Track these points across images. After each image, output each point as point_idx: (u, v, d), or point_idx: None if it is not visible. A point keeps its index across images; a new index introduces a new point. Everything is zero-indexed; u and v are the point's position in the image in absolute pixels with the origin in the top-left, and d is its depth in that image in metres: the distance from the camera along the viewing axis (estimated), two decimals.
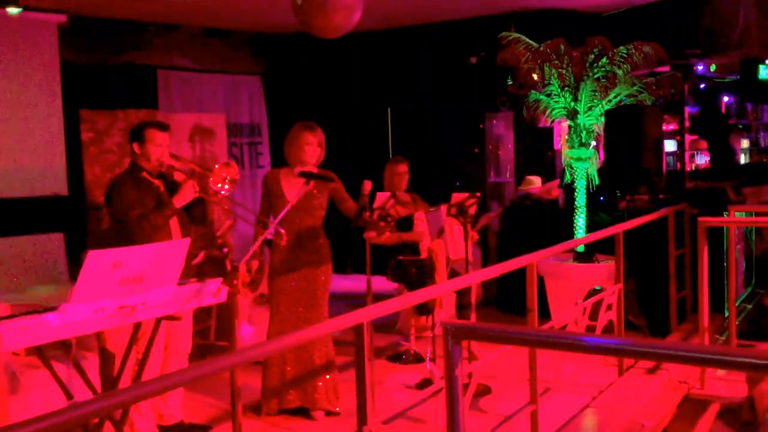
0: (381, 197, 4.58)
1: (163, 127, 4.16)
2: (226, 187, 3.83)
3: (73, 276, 6.41)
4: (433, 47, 8.17)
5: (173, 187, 4.17)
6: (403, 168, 5.88)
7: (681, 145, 8.17)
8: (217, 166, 3.86)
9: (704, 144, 9.44)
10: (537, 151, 7.80)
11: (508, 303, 7.03)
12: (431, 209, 5.62)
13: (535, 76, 6.33)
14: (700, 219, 5.02)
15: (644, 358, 2.13)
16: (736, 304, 5.72)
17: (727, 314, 5.76)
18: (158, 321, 3.52)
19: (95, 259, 2.95)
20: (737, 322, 5.61)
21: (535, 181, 7.45)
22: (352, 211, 4.66)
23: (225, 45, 8.25)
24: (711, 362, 1.99)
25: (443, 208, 5.72)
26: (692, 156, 9.27)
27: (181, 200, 4.06)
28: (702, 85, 8.29)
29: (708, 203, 6.07)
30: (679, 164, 8.17)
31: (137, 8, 6.94)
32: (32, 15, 6.23)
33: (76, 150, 6.88)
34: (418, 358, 5.67)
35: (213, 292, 3.60)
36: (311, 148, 4.51)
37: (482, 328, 2.12)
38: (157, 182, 4.17)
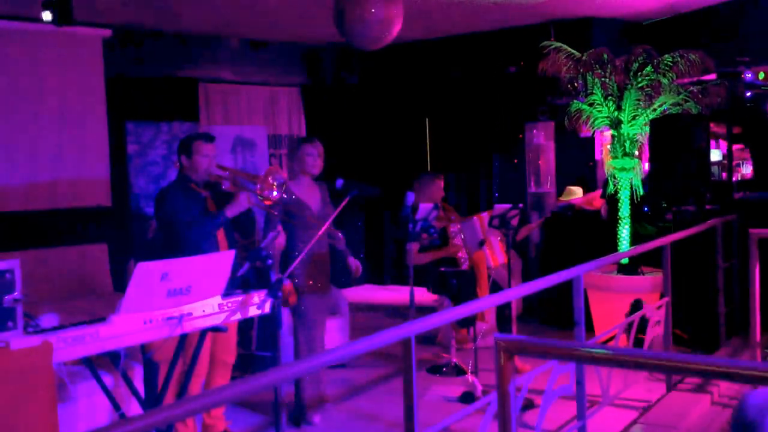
0: (424, 209, 4.58)
1: (210, 138, 4.21)
2: (275, 193, 3.92)
3: (117, 287, 6.51)
4: (472, 57, 8.13)
5: (221, 198, 4.21)
6: (442, 183, 5.96)
7: (729, 155, 7.95)
8: (264, 173, 3.94)
9: (748, 154, 9.21)
10: (578, 161, 7.69)
11: (550, 315, 6.93)
12: (464, 219, 5.59)
13: (569, 86, 6.25)
14: (752, 231, 4.89)
15: (698, 375, 2.07)
16: None
17: None
18: (204, 332, 3.54)
19: (144, 270, 2.98)
20: None
21: (577, 192, 7.34)
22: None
23: (265, 57, 8.31)
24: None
25: (476, 219, 5.70)
26: (737, 166, 9.03)
27: (233, 210, 4.08)
28: (748, 94, 8.09)
29: (758, 214, 5.90)
30: (725, 174, 7.96)
31: (180, 21, 7.03)
32: (77, 29, 6.33)
33: (121, 162, 6.99)
34: (459, 371, 5.62)
35: (257, 303, 3.61)
36: (312, 158, 4.76)
37: (534, 343, 2.07)
38: (204, 192, 4.22)
